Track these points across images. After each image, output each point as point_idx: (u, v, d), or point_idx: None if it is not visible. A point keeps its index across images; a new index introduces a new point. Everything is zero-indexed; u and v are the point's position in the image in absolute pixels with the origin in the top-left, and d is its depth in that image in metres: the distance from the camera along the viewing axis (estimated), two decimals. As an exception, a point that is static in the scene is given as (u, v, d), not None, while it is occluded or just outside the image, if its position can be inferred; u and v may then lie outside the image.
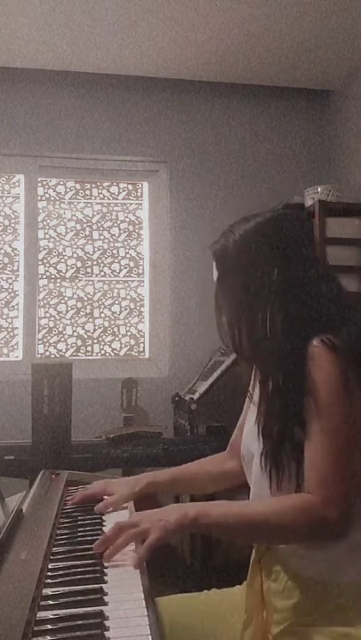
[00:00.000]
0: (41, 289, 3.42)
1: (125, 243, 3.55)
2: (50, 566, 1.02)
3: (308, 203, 3.06)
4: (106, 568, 1.02)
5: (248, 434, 1.29)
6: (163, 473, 1.51)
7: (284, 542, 1.14)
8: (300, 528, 1.06)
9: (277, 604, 1.15)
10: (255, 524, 1.09)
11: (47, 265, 3.44)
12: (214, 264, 1.30)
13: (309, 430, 1.08)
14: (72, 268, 3.47)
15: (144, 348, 3.53)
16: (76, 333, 3.45)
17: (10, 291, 3.38)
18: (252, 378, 1.33)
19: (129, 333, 3.51)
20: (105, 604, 0.89)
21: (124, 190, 3.58)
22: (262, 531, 1.10)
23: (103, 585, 0.95)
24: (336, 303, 1.18)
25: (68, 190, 3.51)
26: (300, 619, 1.11)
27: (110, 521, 1.29)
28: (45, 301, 3.42)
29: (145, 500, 1.42)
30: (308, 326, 1.13)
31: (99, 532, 1.21)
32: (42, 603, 0.88)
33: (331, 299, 1.18)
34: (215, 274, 1.30)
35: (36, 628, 0.80)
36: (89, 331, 3.47)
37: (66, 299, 3.45)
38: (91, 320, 3.48)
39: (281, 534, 1.10)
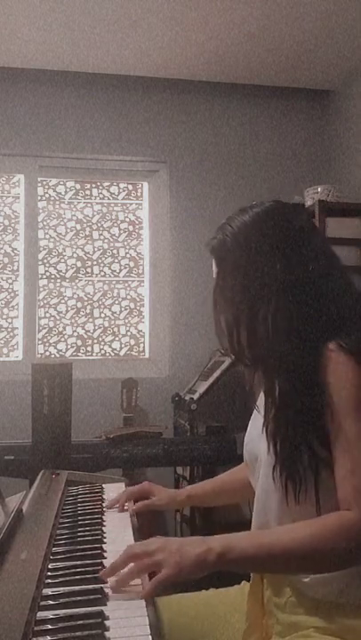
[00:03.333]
0: (41, 289, 3.42)
1: (125, 243, 3.55)
2: (50, 566, 1.02)
3: (308, 203, 3.06)
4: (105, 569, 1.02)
5: (251, 437, 1.25)
6: (200, 486, 1.49)
7: (326, 569, 1.01)
8: (343, 550, 0.95)
9: (279, 616, 1.11)
10: (291, 555, 0.96)
11: (47, 265, 3.44)
12: (213, 260, 1.22)
13: (335, 441, 1.00)
14: (72, 268, 3.47)
15: (144, 348, 3.52)
16: (76, 333, 3.45)
17: (10, 291, 3.38)
18: (252, 380, 1.24)
19: (129, 333, 3.51)
20: (105, 604, 0.89)
21: (124, 190, 3.58)
22: (299, 561, 0.97)
23: (103, 585, 0.95)
24: (346, 301, 1.10)
25: (68, 190, 3.51)
26: (302, 633, 1.07)
27: (110, 522, 1.30)
28: (45, 301, 3.42)
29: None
30: (318, 327, 1.06)
31: (99, 532, 1.21)
32: (42, 603, 0.88)
33: (340, 296, 1.10)
34: (214, 271, 1.22)
35: (36, 628, 0.80)
36: (89, 331, 3.47)
37: (66, 299, 3.45)
38: (91, 320, 3.47)
39: (321, 561, 0.97)
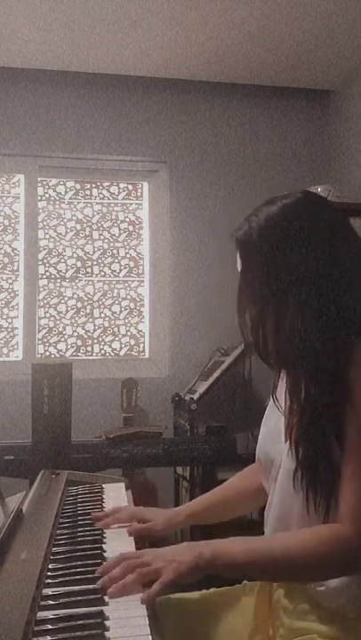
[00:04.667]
0: (41, 289, 3.42)
1: (125, 243, 3.55)
2: (50, 566, 1.02)
3: (308, 203, 3.05)
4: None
5: (267, 435, 1.20)
6: (198, 503, 1.36)
7: (315, 580, 1.03)
8: (333, 564, 0.96)
9: (285, 621, 1.10)
10: (281, 564, 0.98)
11: (47, 265, 3.44)
12: (237, 253, 1.16)
13: (350, 450, 0.97)
14: (72, 268, 3.47)
15: (144, 348, 3.52)
16: (76, 333, 3.45)
17: (10, 291, 3.38)
18: (277, 381, 1.19)
19: (129, 333, 3.51)
20: (105, 604, 0.89)
21: (124, 190, 3.58)
22: (290, 570, 0.99)
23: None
24: None
25: (68, 190, 3.51)
26: (306, 638, 1.05)
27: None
28: (45, 301, 3.42)
29: (145, 496, 1.42)
30: (347, 326, 1.01)
31: (99, 532, 1.21)
32: (42, 603, 0.88)
33: None
34: (239, 264, 1.16)
35: (36, 628, 0.80)
36: (89, 331, 3.47)
37: (66, 299, 3.45)
38: (91, 320, 3.47)
39: (311, 573, 0.99)
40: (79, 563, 1.03)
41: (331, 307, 1.03)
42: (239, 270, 1.16)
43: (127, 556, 0.99)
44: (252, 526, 1.50)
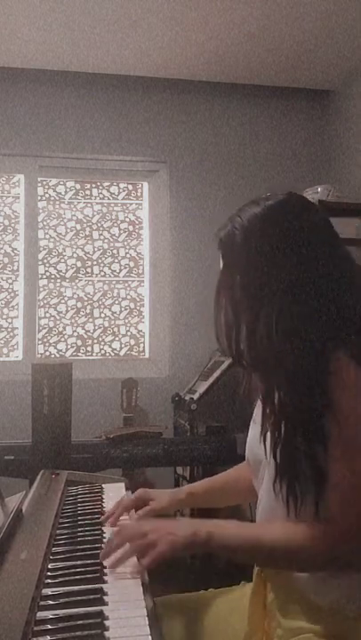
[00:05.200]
0: (41, 289, 3.42)
1: (125, 243, 3.55)
2: (50, 566, 1.02)
3: (308, 203, 3.05)
4: (105, 568, 1.02)
5: (254, 436, 1.20)
6: (198, 485, 1.41)
7: (299, 570, 1.06)
8: (321, 558, 0.98)
9: (281, 621, 1.10)
10: (271, 552, 1.01)
11: (47, 265, 3.44)
12: (220, 253, 1.16)
13: (332, 451, 0.97)
14: (72, 268, 3.47)
15: (144, 347, 3.52)
16: (76, 333, 3.45)
17: (10, 291, 3.38)
18: (248, 383, 1.19)
19: (129, 333, 3.51)
20: (105, 603, 0.89)
21: (124, 190, 3.58)
22: (278, 559, 1.03)
23: (103, 585, 0.95)
24: (355, 304, 1.04)
25: (68, 190, 3.51)
26: (302, 638, 1.05)
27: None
28: (45, 301, 3.42)
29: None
30: (323, 331, 1.00)
31: (98, 532, 1.21)
32: (42, 603, 0.88)
33: (350, 299, 1.04)
34: (220, 263, 1.16)
35: (35, 628, 0.80)
36: (89, 331, 3.47)
37: (66, 299, 3.45)
38: (91, 320, 3.48)
39: (299, 563, 1.02)
40: (79, 563, 1.03)
41: (308, 311, 1.02)
42: (220, 269, 1.16)
43: (127, 526, 1.05)
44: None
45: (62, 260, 3.46)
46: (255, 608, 1.17)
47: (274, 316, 1.03)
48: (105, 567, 1.01)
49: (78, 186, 3.52)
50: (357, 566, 1.01)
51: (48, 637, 0.79)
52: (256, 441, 1.17)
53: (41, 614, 0.84)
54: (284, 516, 1.04)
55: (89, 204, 3.53)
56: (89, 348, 3.46)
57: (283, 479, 1.02)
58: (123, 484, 1.58)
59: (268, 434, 1.05)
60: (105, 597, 0.90)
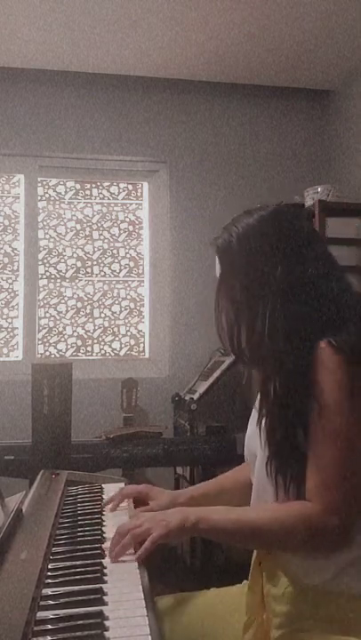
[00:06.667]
0: (41, 289, 3.42)
1: (125, 243, 3.55)
2: (50, 566, 1.02)
3: (308, 203, 3.06)
4: (105, 568, 1.02)
5: (250, 435, 1.27)
6: (197, 489, 1.45)
7: (283, 549, 1.13)
8: (300, 536, 1.05)
9: (276, 609, 1.13)
10: (254, 530, 1.09)
11: (47, 265, 3.44)
12: (217, 259, 1.26)
13: (312, 435, 1.06)
14: (72, 268, 3.47)
15: (144, 347, 3.53)
16: (76, 333, 3.45)
17: (10, 291, 3.38)
18: (248, 378, 1.30)
19: (129, 333, 3.51)
20: (105, 603, 0.89)
21: (124, 190, 3.58)
22: (261, 537, 1.10)
23: (103, 585, 0.95)
24: (341, 303, 1.13)
25: (68, 190, 3.51)
26: (299, 625, 1.09)
27: (110, 521, 1.30)
28: (45, 301, 3.43)
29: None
30: (313, 327, 1.09)
31: (98, 532, 1.21)
32: (42, 603, 0.88)
33: (338, 298, 1.13)
34: (218, 270, 1.26)
35: (35, 628, 0.80)
36: (89, 331, 3.47)
37: (66, 299, 3.45)
38: (91, 320, 3.48)
39: (280, 541, 1.09)
40: (79, 562, 1.04)
41: (299, 311, 1.12)
42: (218, 274, 1.25)
43: (124, 524, 1.12)
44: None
45: (62, 260, 3.46)
46: (252, 600, 1.19)
47: (269, 316, 1.13)
48: (105, 567, 1.02)
49: (78, 186, 3.52)
50: (343, 546, 1.05)
51: (48, 637, 0.79)
52: (251, 438, 1.25)
53: (41, 614, 0.85)
54: (273, 496, 1.12)
55: (89, 204, 3.53)
56: (89, 348, 3.46)
57: (273, 459, 1.10)
58: (123, 484, 1.58)
59: (264, 419, 1.13)
60: (105, 597, 0.90)
